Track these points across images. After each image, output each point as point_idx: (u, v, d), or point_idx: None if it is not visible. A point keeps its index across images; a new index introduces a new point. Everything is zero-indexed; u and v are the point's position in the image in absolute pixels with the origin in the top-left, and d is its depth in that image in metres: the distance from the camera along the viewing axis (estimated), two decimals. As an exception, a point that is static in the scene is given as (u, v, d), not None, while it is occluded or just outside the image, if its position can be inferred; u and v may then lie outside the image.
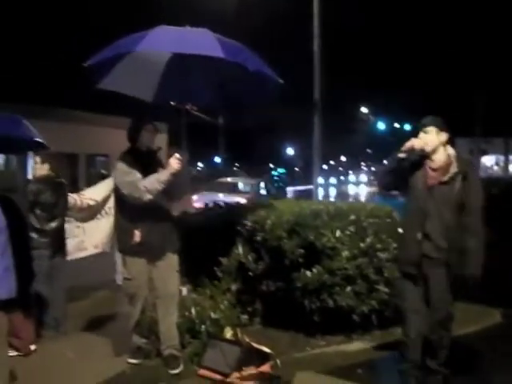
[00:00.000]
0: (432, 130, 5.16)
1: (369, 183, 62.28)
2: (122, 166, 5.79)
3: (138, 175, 5.65)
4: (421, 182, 5.15)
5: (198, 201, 18.96)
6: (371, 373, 5.93)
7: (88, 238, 8.52)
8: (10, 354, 5.51)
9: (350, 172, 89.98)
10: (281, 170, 74.24)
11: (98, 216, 8.53)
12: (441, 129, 5.18)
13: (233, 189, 24.14)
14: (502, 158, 58.33)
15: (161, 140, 9.71)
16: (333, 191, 52.39)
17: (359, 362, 5.99)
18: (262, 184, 27.12)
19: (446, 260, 5.05)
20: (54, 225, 7.08)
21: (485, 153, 53.24)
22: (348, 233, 6.65)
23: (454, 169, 5.09)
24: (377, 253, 6.68)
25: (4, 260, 4.23)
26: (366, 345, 6.55)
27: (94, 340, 6.81)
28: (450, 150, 5.21)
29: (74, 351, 6.41)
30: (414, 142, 5.14)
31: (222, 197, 19.52)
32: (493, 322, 7.44)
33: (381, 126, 63.46)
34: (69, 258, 8.01)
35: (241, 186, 25.59)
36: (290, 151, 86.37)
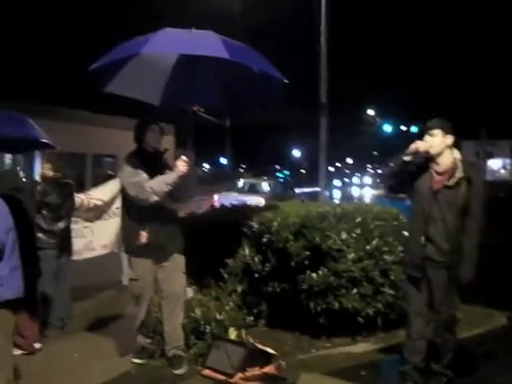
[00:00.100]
0: (438, 132, 5.11)
1: (373, 185, 62.13)
2: (128, 167, 5.81)
3: (145, 176, 5.67)
4: (426, 186, 5.12)
5: (219, 200, 20.45)
6: (375, 375, 5.92)
7: (96, 238, 8.54)
8: (15, 353, 5.53)
9: (358, 174, 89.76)
10: (286, 172, 74.34)
11: (106, 216, 8.54)
12: (446, 132, 5.13)
13: (252, 189, 25.12)
14: (508, 161, 58.20)
15: (168, 142, 9.73)
16: (337, 193, 52.25)
17: (364, 364, 5.98)
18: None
19: (449, 263, 5.03)
20: (60, 225, 7.10)
21: (491, 155, 53.08)
22: (354, 235, 6.65)
23: (459, 173, 5.04)
24: (383, 255, 6.68)
25: (12, 260, 4.24)
26: (371, 347, 6.55)
27: (98, 340, 6.82)
28: (456, 154, 5.16)
29: (78, 351, 6.43)
30: (419, 145, 5.11)
31: (242, 197, 20.33)
32: (497, 325, 7.41)
33: (387, 128, 63.31)
34: (77, 258, 8.04)
35: (259, 186, 26.48)
36: (297, 153, 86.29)
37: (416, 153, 5.11)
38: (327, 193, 17.03)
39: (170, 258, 5.85)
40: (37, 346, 6.36)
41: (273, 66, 5.75)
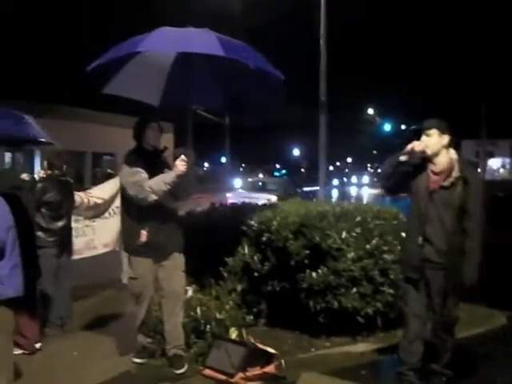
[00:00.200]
0: (434, 132, 5.09)
1: (371, 185, 62.09)
2: (127, 166, 5.81)
3: (144, 175, 5.66)
4: (422, 186, 5.10)
5: (231, 198, 21.49)
6: (375, 374, 5.93)
7: (98, 237, 8.55)
8: (16, 353, 5.53)
9: (355, 173, 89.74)
10: (283, 171, 74.50)
11: (106, 215, 8.55)
12: (443, 131, 5.10)
13: (263, 187, 26.18)
14: (508, 160, 58.27)
15: (167, 140, 9.73)
16: (335, 193, 52.21)
17: (363, 364, 6.00)
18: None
19: (447, 264, 5.02)
20: (60, 224, 7.09)
21: (491, 155, 53.15)
22: (354, 234, 6.65)
23: (455, 173, 5.02)
24: (382, 254, 6.67)
25: (12, 258, 4.24)
26: (371, 346, 6.55)
27: (98, 339, 6.82)
28: (453, 154, 5.14)
29: (78, 350, 6.43)
30: (415, 145, 5.10)
31: (253, 194, 21.23)
32: (497, 325, 7.41)
33: (387, 127, 63.26)
34: (78, 256, 8.06)
35: (270, 184, 27.54)
36: (296, 152, 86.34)
37: (412, 153, 5.09)
38: (323, 192, 16.96)
39: (169, 256, 5.85)
40: (37, 345, 6.36)
41: (271, 63, 5.74)
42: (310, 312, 6.55)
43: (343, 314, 6.49)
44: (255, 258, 6.90)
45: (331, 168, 76.20)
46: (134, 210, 5.79)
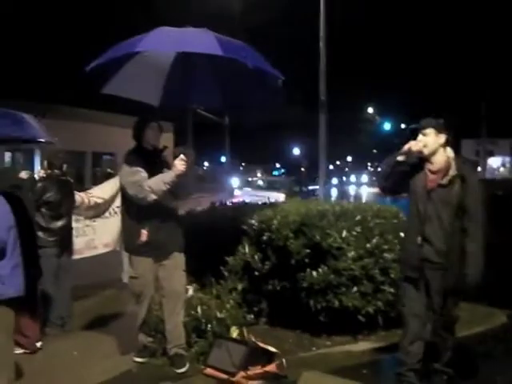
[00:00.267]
0: (430, 131, 5.08)
1: (370, 184, 62.11)
2: (127, 166, 5.81)
3: (144, 175, 5.66)
4: (420, 185, 5.09)
5: (240, 196, 22.75)
6: (376, 373, 5.92)
7: (98, 236, 8.55)
8: (16, 352, 5.53)
9: (354, 172, 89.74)
10: (282, 171, 74.64)
11: (107, 215, 8.55)
12: (439, 130, 5.09)
13: (271, 186, 27.08)
14: (508, 159, 58.29)
15: (167, 139, 9.74)
16: (334, 192, 52.19)
17: (364, 363, 5.99)
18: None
19: (446, 264, 5.00)
20: (60, 223, 7.09)
21: (491, 154, 53.15)
22: (354, 233, 6.65)
23: (453, 171, 5.01)
24: (383, 253, 6.67)
25: (13, 258, 4.24)
26: (372, 345, 6.55)
27: (99, 338, 6.82)
28: (450, 152, 5.13)
29: (79, 349, 6.43)
30: (412, 145, 5.10)
31: (261, 193, 22.37)
32: (498, 323, 7.42)
33: (387, 126, 63.26)
34: (79, 256, 8.06)
35: (278, 183, 28.68)
36: (296, 151, 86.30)
37: (409, 153, 5.08)
38: (323, 191, 17.01)
39: (170, 256, 5.85)
40: (38, 345, 6.36)
41: (270, 63, 5.74)
42: (310, 311, 6.55)
43: (344, 312, 6.49)
44: (256, 257, 6.90)
45: (331, 167, 76.10)
46: (134, 209, 5.79)
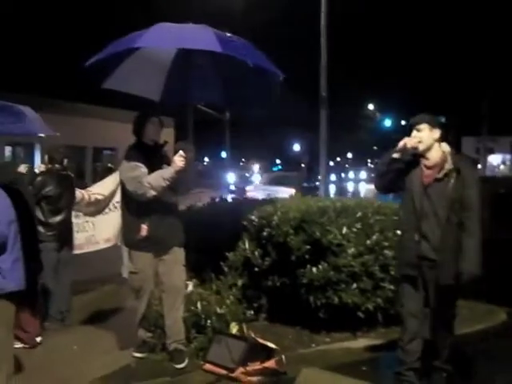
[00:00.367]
0: (424, 127, 5.07)
1: (368, 180, 62.03)
2: (127, 161, 5.81)
3: (143, 171, 5.65)
4: (416, 181, 5.06)
5: (252, 191, 23.52)
6: (375, 370, 5.92)
7: (98, 232, 8.55)
8: (16, 346, 5.53)
9: (353, 168, 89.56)
10: (279, 167, 74.78)
11: (106, 210, 8.55)
12: (433, 126, 5.08)
13: (281, 181, 26.96)
14: (508, 156, 58.25)
15: (167, 135, 9.73)
16: (332, 188, 52.04)
17: (364, 359, 6.00)
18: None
19: (443, 261, 4.99)
20: (59, 218, 7.09)
21: (491, 151, 53.11)
22: (354, 230, 6.64)
23: (448, 165, 5.00)
24: (383, 250, 6.67)
25: (14, 252, 4.24)
26: (371, 342, 6.54)
27: (99, 333, 6.83)
28: (445, 147, 5.12)
29: (78, 344, 6.44)
30: (406, 141, 5.09)
31: (273, 188, 22.67)
32: (498, 321, 7.41)
33: (387, 123, 63.22)
34: (80, 251, 8.06)
35: (288, 179, 28.60)
36: (297, 147, 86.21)
37: (405, 149, 5.07)
38: (323, 187, 16.96)
39: (170, 251, 5.85)
40: (38, 339, 6.36)
41: (272, 60, 5.73)
42: (310, 307, 6.55)
43: (343, 309, 6.49)
44: (256, 253, 6.90)
45: (331, 163, 76.02)
46: (134, 204, 5.78)
